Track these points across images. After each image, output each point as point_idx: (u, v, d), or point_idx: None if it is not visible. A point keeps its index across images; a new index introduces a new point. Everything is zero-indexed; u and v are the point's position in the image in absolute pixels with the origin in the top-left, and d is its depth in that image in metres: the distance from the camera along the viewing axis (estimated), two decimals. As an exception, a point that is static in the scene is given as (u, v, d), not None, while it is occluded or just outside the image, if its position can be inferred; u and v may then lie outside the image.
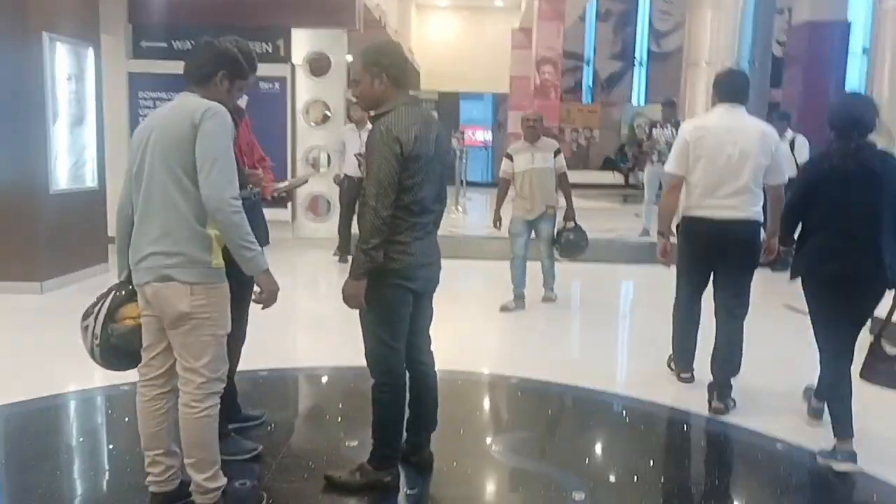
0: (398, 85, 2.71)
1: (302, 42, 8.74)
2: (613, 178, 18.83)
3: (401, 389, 2.81)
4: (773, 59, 16.54)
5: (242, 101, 3.03)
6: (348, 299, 2.67)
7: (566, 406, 4.23)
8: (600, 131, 20.74)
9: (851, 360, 3.23)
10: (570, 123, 20.50)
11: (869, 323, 3.41)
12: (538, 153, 5.89)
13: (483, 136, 20.48)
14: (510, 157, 5.97)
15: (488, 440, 3.58)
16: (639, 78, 21.34)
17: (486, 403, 4.30)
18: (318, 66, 8.81)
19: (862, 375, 3.21)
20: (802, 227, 3.33)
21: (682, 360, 4.22)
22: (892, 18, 6.10)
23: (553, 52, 13.60)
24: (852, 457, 3.15)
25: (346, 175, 7.68)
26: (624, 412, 4.07)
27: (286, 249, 8.41)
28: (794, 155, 7.44)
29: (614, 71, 21.69)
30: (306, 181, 2.92)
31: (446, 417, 3.17)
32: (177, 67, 6.41)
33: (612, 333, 6.07)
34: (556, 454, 3.49)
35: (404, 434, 2.92)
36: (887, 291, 3.20)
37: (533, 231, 6.02)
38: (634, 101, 21.10)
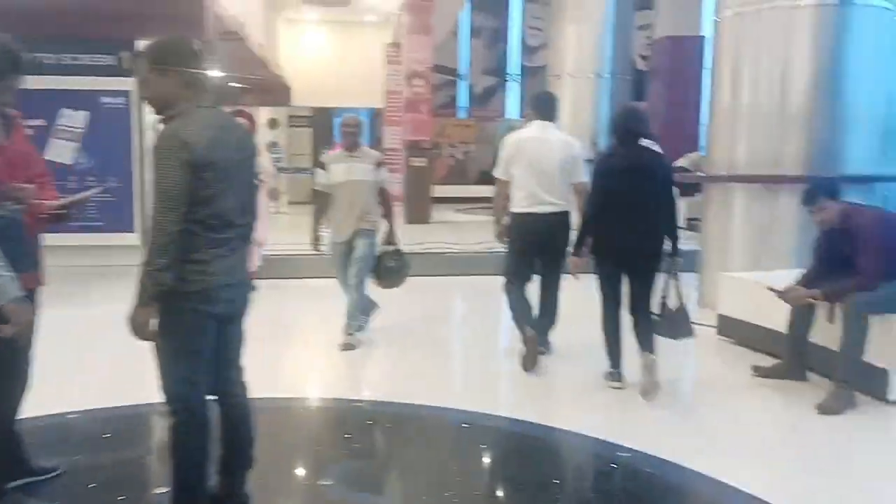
0: (191, 85, 2.43)
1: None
2: (490, 191, 18.91)
3: (202, 427, 2.50)
4: (638, 73, 17.39)
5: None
6: (136, 329, 2.35)
7: (400, 427, 4.02)
8: (476, 145, 20.90)
9: (618, 307, 4.38)
10: (446, 138, 20.55)
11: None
12: (357, 163, 5.22)
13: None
14: (324, 167, 5.31)
15: (316, 474, 3.31)
16: (512, 92, 21.71)
17: (313, 432, 4.03)
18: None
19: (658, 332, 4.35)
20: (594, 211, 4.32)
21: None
22: (728, 28, 6.32)
23: (423, 66, 13.53)
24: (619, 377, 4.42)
25: None
26: (460, 426, 3.92)
27: (132, 280, 7.82)
28: None
29: (488, 85, 21.98)
30: (89, 198, 2.58)
31: (268, 451, 2.89)
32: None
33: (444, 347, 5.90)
34: (394, 484, 3.27)
35: (213, 476, 2.61)
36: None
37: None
38: (508, 115, 21.43)
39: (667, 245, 4.22)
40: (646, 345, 4.26)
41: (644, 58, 19.36)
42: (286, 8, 16.77)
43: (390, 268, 5.35)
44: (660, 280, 4.33)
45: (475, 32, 21.66)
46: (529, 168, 4.72)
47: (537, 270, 4.94)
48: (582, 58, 12.18)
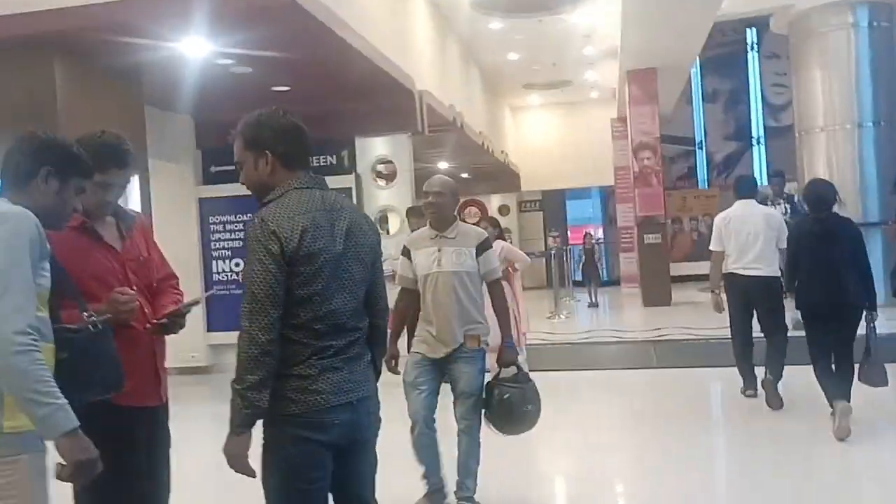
0: (289, 164, 2.06)
1: (365, 150, 8.42)
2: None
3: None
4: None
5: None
6: (232, 463, 1.92)
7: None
8: (722, 216, 19.25)
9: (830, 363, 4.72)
10: (687, 212, 19.21)
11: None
12: (449, 247, 3.62)
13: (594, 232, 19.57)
14: (407, 254, 3.76)
15: None
16: (758, 156, 19.87)
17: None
18: (386, 172, 8.44)
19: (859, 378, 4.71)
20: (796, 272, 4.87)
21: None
22: None
23: (649, 137, 12.73)
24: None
25: None
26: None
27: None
28: None
29: (730, 152, 20.36)
30: (197, 303, 2.32)
31: None
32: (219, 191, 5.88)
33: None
34: None
35: None
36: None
37: (446, 378, 3.71)
38: (757, 181, 19.54)
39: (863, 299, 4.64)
40: (843, 392, 4.57)
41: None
42: (509, 95, 16.97)
43: (506, 401, 3.57)
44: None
45: (710, 97, 20.33)
46: (737, 239, 5.55)
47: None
48: (835, 109, 10.64)
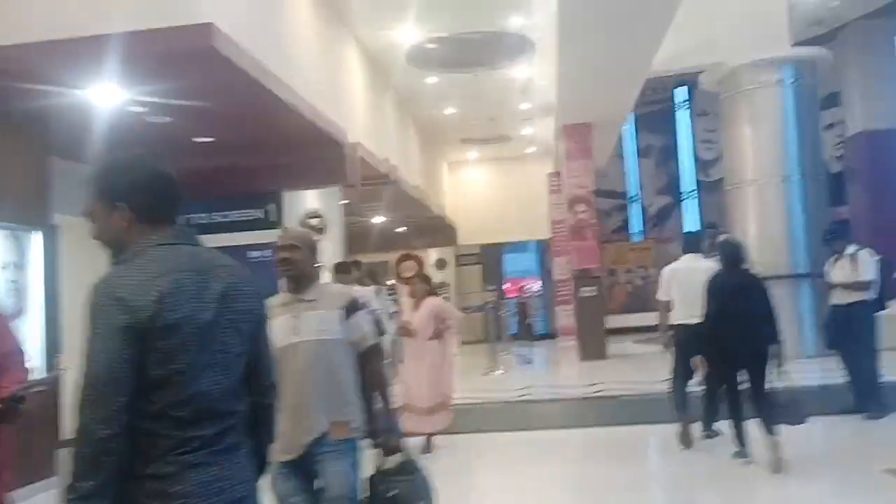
0: (150, 219, 1.74)
1: (293, 204, 8.10)
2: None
3: None
4: (831, 176, 15.54)
5: None
6: None
7: None
8: (656, 269, 19.44)
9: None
10: (622, 264, 19.37)
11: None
12: (309, 311, 2.98)
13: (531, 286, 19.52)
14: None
15: None
16: (690, 210, 20.29)
17: None
18: (316, 227, 8.12)
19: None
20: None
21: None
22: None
23: (584, 190, 12.78)
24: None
25: None
26: None
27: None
28: (855, 267, 6.41)
29: (663, 205, 20.76)
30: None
31: None
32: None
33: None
34: None
35: None
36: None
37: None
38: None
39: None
40: (769, 428, 5.05)
41: (838, 158, 17.43)
42: (447, 150, 16.95)
43: (395, 499, 2.89)
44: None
45: (644, 152, 20.80)
46: (681, 290, 5.91)
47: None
48: (763, 163, 10.88)
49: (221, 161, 7.87)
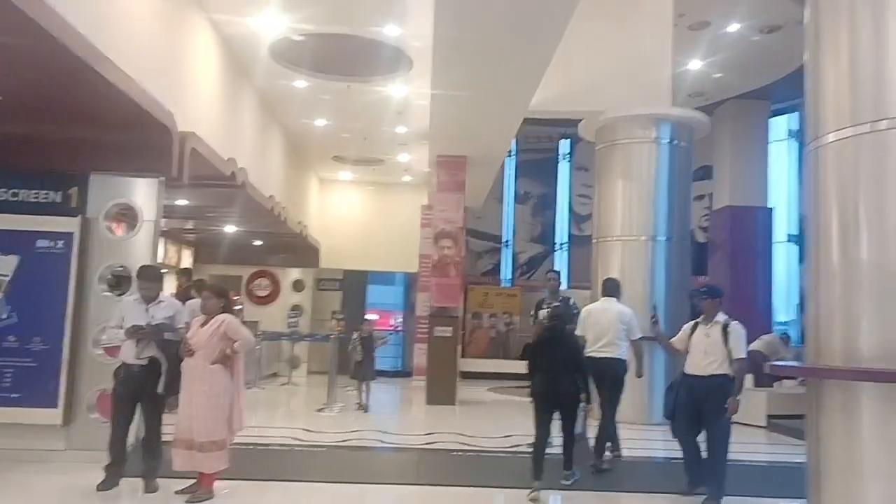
0: None
1: (101, 190, 6.87)
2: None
3: None
4: (697, 245, 15.74)
5: None
6: None
7: None
8: (521, 317, 19.11)
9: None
10: (487, 308, 18.89)
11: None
12: None
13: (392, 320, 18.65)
14: None
15: None
16: (560, 261, 20.17)
17: None
18: (125, 221, 6.91)
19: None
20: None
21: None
22: (833, 159, 4.55)
23: (452, 226, 12.11)
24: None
25: (122, 363, 5.57)
26: None
27: (53, 469, 6.05)
28: (726, 341, 5.72)
29: (535, 254, 20.56)
30: None
31: None
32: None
33: None
34: None
35: None
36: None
37: None
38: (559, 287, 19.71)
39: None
40: (567, 465, 6.18)
41: (704, 229, 17.80)
42: (317, 165, 15.95)
43: None
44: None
45: (521, 198, 20.58)
46: (595, 328, 6.96)
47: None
48: (632, 219, 10.60)
49: (15, 126, 6.57)
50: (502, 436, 8.57)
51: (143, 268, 5.97)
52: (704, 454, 5.82)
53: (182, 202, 10.53)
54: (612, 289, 7.33)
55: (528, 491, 5.77)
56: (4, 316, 6.52)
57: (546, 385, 5.99)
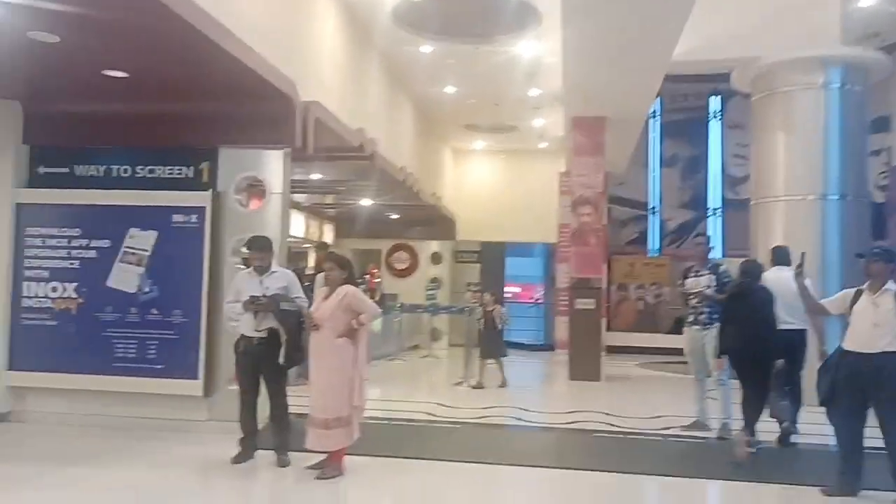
0: None
1: (231, 164, 6.86)
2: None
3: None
4: (875, 207, 13.99)
5: None
6: None
7: None
8: (671, 288, 18.03)
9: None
10: (634, 279, 17.98)
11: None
12: None
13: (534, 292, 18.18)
14: None
15: None
16: (714, 228, 18.80)
17: None
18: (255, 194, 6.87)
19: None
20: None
21: None
22: None
23: (592, 191, 11.41)
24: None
25: (241, 336, 5.52)
26: None
27: (193, 440, 6.15)
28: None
29: (684, 221, 19.27)
30: None
31: None
32: (79, 197, 5.07)
33: None
34: None
35: None
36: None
37: None
38: (710, 254, 18.40)
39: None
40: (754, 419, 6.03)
41: (882, 188, 15.86)
42: (450, 136, 15.65)
43: None
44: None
45: (668, 162, 19.32)
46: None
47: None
48: (797, 177, 9.44)
49: (144, 104, 6.67)
50: (652, 416, 7.93)
51: (253, 238, 5.86)
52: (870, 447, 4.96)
53: (316, 176, 10.57)
54: (781, 257, 7.05)
55: (706, 478, 5.67)
56: (147, 290, 6.68)
57: (738, 341, 6.01)
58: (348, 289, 5.26)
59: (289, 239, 12.46)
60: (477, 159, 17.20)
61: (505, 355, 10.35)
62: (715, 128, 19.09)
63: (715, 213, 18.95)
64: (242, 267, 6.64)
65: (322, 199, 13.48)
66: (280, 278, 5.57)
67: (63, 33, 5.10)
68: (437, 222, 15.86)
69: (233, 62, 5.60)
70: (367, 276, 13.63)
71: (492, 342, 10.12)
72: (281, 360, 5.31)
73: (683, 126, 19.14)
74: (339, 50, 8.62)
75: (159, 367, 6.61)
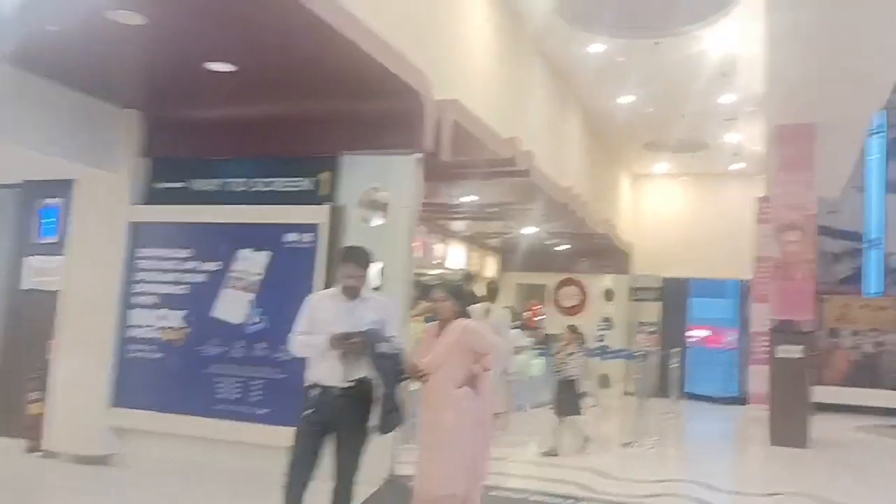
0: None
1: (352, 176, 5.86)
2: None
3: None
4: None
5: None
6: None
7: None
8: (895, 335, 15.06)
9: None
10: (849, 324, 15.19)
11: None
12: None
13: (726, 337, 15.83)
14: None
15: None
16: (953, 264, 15.51)
17: None
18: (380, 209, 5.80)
19: None
20: None
21: None
22: None
23: (801, 214, 9.33)
24: None
25: (316, 385, 3.95)
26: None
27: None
28: None
29: (914, 255, 16.10)
30: None
31: None
32: (195, 214, 4.17)
33: None
34: None
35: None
36: None
37: None
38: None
39: None
40: None
41: None
42: (627, 157, 14.02)
43: None
44: None
45: (894, 187, 16.29)
46: None
47: None
48: None
49: (261, 108, 5.87)
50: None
51: (349, 249, 4.55)
52: None
53: (469, 198, 9.46)
54: None
55: None
56: (256, 320, 5.79)
57: None
58: (467, 323, 4.00)
59: (444, 270, 11.58)
60: (659, 184, 15.44)
61: (578, 413, 7.69)
62: (955, 144, 15.86)
63: (954, 247, 15.66)
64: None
65: (483, 226, 12.39)
66: (375, 307, 4.03)
67: (148, 12, 4.33)
68: (608, 254, 14.25)
69: (352, 49, 4.61)
70: (528, 314, 12.29)
71: (564, 396, 7.62)
72: (375, 422, 3.84)
73: (913, 143, 16.10)
74: (489, 48, 7.49)
75: (262, 412, 5.66)
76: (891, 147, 16.17)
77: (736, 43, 8.27)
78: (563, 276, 15.21)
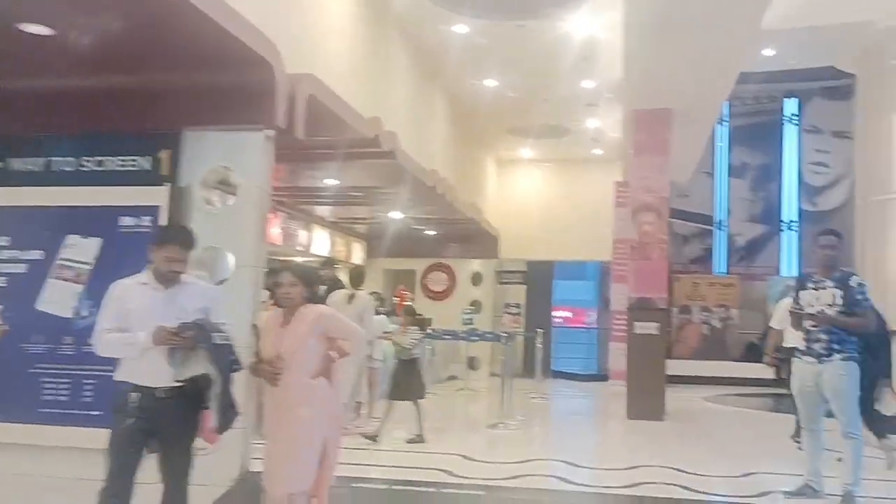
0: None
1: (196, 154, 5.39)
2: (759, 371, 13.94)
3: None
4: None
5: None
6: None
7: None
8: (740, 311, 16.09)
9: None
10: (698, 300, 16.12)
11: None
12: None
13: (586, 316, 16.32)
14: None
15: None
16: (788, 244, 16.77)
17: None
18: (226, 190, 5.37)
19: None
20: None
21: None
22: None
23: (655, 196, 9.67)
24: None
25: (134, 387, 3.50)
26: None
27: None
28: None
29: (755, 236, 17.28)
30: None
31: None
32: (14, 197, 4.12)
33: None
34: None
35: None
36: None
37: None
38: (784, 272, 16.40)
39: None
40: None
41: None
42: (493, 142, 14.08)
43: None
44: None
45: (737, 171, 17.39)
46: None
47: None
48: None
49: (88, 78, 5.27)
50: (739, 474, 6.14)
51: (169, 228, 4.13)
52: None
53: (332, 181, 9.10)
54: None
55: None
56: (85, 313, 5.21)
57: None
58: (322, 309, 3.74)
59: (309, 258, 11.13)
60: (524, 169, 15.64)
61: (422, 397, 7.30)
62: (790, 133, 17.12)
63: (790, 227, 16.94)
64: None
65: (348, 211, 12.05)
66: (197, 294, 3.59)
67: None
68: (476, 239, 14.30)
69: (192, 12, 4.16)
70: (396, 299, 12.11)
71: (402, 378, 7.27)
72: (214, 423, 3.43)
73: (754, 131, 17.22)
74: (348, 23, 7.17)
75: (96, 413, 5.10)
76: (732, 135, 17.24)
77: (597, 28, 8.38)
78: (432, 261, 15.14)
